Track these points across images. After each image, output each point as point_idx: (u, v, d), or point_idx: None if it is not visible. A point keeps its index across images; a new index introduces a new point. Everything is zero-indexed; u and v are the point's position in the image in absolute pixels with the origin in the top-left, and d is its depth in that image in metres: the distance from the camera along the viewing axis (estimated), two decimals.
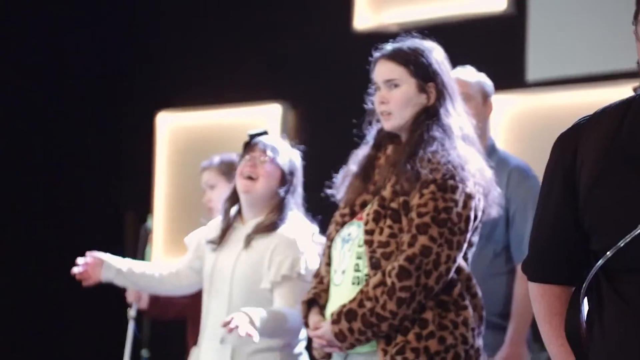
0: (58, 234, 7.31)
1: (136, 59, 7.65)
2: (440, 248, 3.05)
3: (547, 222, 2.22)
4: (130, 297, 4.47)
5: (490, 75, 4.07)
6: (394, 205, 3.13)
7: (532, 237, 2.29)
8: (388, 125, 3.25)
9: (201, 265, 3.86)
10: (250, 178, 3.72)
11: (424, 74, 3.23)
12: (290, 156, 3.83)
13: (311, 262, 3.67)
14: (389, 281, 3.05)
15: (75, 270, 3.89)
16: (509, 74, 5.80)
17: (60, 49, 7.56)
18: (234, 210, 3.84)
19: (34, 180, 7.42)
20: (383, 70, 3.26)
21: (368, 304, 3.07)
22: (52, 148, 7.49)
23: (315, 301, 3.28)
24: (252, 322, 3.40)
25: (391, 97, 3.22)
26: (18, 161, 7.48)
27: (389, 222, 3.12)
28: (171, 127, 7.41)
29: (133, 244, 4.47)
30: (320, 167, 6.44)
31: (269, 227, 3.70)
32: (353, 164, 3.34)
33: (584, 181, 2.13)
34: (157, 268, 3.96)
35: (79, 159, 7.35)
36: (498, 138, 4.49)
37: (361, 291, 3.10)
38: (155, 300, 4.54)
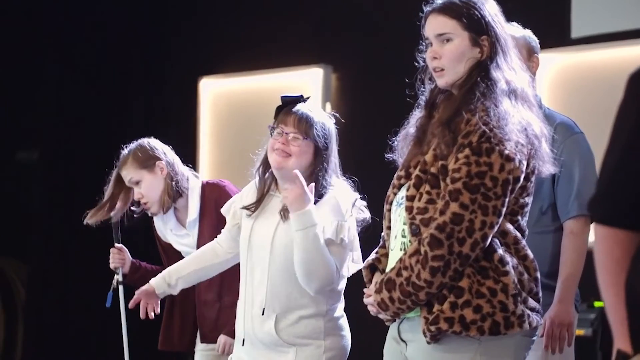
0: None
1: (178, 26, 7.66)
2: (474, 215, 2.95)
3: (616, 161, 2.14)
4: (114, 262, 4.49)
5: (534, 33, 4.03)
6: (433, 170, 3.05)
7: (601, 176, 2.21)
8: (441, 81, 3.14)
9: (238, 232, 3.84)
10: (282, 151, 3.65)
11: (477, 26, 3.11)
12: (325, 126, 3.70)
13: (353, 230, 3.64)
14: (422, 250, 2.99)
15: (142, 314, 4.02)
16: (553, 31, 5.76)
17: (103, 15, 7.59)
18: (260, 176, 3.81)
19: (79, 146, 7.47)
20: (434, 25, 3.14)
21: (404, 273, 3.01)
22: (97, 115, 7.53)
23: (376, 266, 3.23)
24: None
25: (444, 52, 3.11)
26: (64, 129, 7.53)
27: (427, 187, 3.04)
28: (214, 92, 7.43)
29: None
30: (362, 130, 6.45)
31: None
32: (411, 126, 3.24)
33: None
34: (203, 256, 3.97)
35: (123, 125, 7.39)
36: (543, 95, 4.45)
37: (400, 259, 3.05)
38: (136, 266, 4.57)
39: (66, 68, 7.54)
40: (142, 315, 4.02)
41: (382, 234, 3.30)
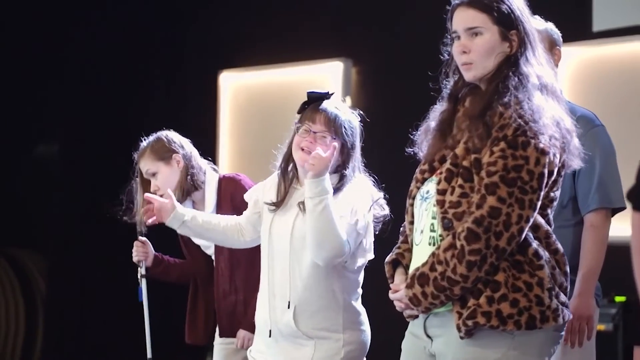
0: (123, 192, 7.37)
1: (198, 20, 7.66)
2: (511, 208, 2.95)
3: None
4: (137, 256, 4.50)
5: (555, 27, 4.01)
6: (465, 163, 3.03)
7: None
8: (469, 75, 3.13)
9: (258, 221, 3.84)
10: (309, 151, 3.62)
11: (506, 21, 3.09)
12: (352, 124, 3.69)
13: (369, 218, 3.63)
14: (458, 244, 2.97)
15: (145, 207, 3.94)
16: (575, 25, 5.73)
17: (123, 8, 7.60)
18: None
19: (99, 139, 7.49)
20: (464, 18, 3.11)
21: (439, 268, 2.99)
22: (117, 109, 7.54)
23: (399, 262, 3.21)
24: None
25: (473, 46, 3.09)
26: (83, 123, 7.55)
27: (460, 181, 3.03)
28: (234, 86, 7.43)
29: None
30: (381, 124, 6.43)
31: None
32: (432, 120, 3.22)
33: None
34: (222, 220, 3.94)
35: (143, 119, 7.39)
36: (564, 89, 4.44)
37: (433, 254, 3.03)
38: (159, 259, 4.58)
39: (85, 61, 7.55)
40: (142, 210, 3.98)
41: (402, 229, 3.28)
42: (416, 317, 3.18)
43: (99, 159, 7.44)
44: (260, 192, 3.85)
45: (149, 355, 4.60)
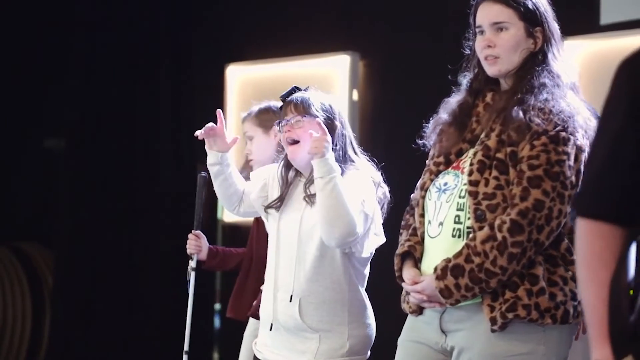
0: (129, 185, 7.38)
1: (205, 13, 7.66)
2: (553, 202, 2.97)
3: (604, 151, 2.06)
4: (190, 248, 4.51)
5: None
6: (499, 155, 3.04)
7: (587, 168, 2.14)
8: (494, 70, 3.15)
9: (260, 205, 3.83)
10: (293, 142, 3.69)
11: (531, 17, 3.13)
12: (324, 103, 3.74)
13: (375, 203, 3.63)
14: (499, 236, 2.97)
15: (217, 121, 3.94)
16: (582, 18, 5.71)
17: (131, 2, 7.60)
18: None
19: (106, 133, 7.50)
20: (490, 13, 3.15)
21: (476, 260, 2.99)
22: (124, 102, 7.55)
23: (410, 254, 3.20)
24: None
25: (499, 41, 3.12)
26: (91, 116, 7.56)
27: (494, 173, 3.04)
28: (241, 79, 7.42)
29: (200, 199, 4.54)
30: (389, 117, 6.42)
31: None
32: (444, 112, 3.23)
33: None
34: (241, 185, 3.95)
35: (150, 112, 7.40)
36: None
37: (467, 246, 3.02)
38: (214, 251, 4.60)
39: (93, 55, 7.55)
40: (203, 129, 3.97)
41: (404, 221, 3.27)
42: (420, 313, 3.16)
43: (106, 152, 7.44)
44: (270, 178, 3.86)
45: (185, 348, 4.59)
